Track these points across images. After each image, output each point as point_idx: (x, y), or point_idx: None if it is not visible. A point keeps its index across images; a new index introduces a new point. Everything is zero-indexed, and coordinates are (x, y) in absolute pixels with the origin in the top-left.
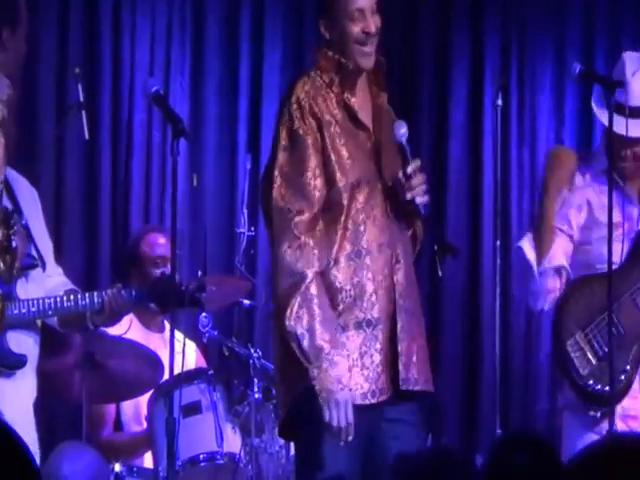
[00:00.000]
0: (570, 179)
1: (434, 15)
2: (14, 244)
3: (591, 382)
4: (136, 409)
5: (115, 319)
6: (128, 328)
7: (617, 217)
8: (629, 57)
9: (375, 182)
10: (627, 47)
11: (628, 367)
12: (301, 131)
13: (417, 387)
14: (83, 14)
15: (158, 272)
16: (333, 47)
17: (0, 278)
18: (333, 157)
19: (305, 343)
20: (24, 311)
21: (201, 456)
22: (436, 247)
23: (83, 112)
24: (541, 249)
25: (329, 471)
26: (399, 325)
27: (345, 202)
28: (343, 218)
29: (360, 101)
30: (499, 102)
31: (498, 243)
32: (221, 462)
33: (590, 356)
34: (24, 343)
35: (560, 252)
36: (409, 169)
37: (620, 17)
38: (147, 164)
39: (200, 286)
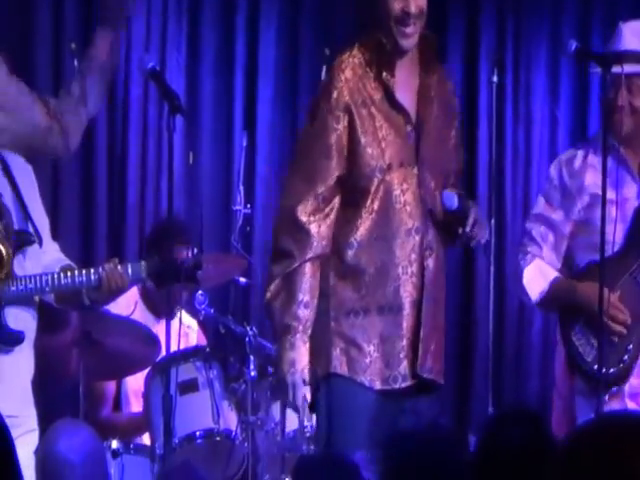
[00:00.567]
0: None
1: None
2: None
3: (596, 367)
4: (136, 389)
5: (113, 296)
6: (132, 311)
7: (618, 195)
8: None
9: (410, 166)
10: None
11: (631, 346)
12: (327, 112)
13: (431, 376)
14: None
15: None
16: (375, 26)
17: None
18: (363, 139)
19: (276, 319)
20: (21, 288)
21: (198, 433)
22: None
23: None
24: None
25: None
26: (423, 312)
27: (373, 185)
28: (369, 201)
29: (401, 82)
30: (494, 78)
31: (493, 221)
32: (217, 439)
33: (593, 341)
34: (22, 319)
35: (544, 278)
36: (467, 228)
37: None
38: (143, 141)
39: (196, 264)
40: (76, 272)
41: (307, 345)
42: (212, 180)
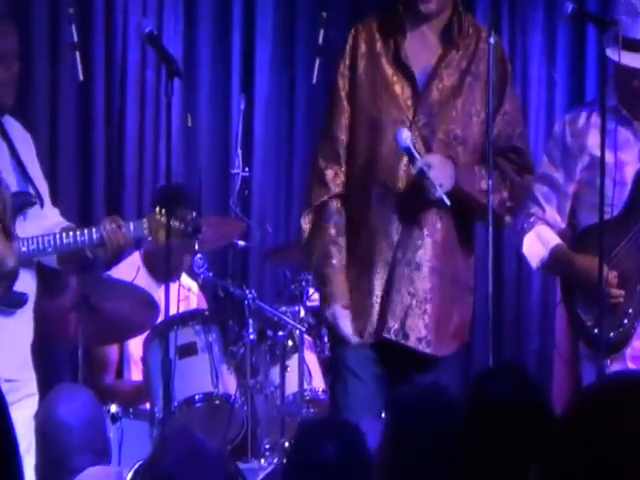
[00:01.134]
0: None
1: None
2: None
3: (597, 331)
4: (137, 356)
5: (117, 254)
6: (135, 277)
7: (623, 157)
8: None
9: (402, 125)
10: None
11: (631, 310)
12: (338, 76)
13: (403, 341)
14: None
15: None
16: None
17: None
18: (360, 93)
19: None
20: (24, 249)
21: (197, 397)
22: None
23: (77, 53)
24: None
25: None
26: (396, 275)
27: (361, 137)
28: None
29: (415, 46)
30: (491, 40)
31: (490, 182)
32: (216, 403)
33: (594, 307)
34: (23, 282)
35: (544, 246)
36: (414, 170)
37: None
38: (141, 105)
39: (195, 227)
40: (78, 231)
41: (343, 278)
42: (210, 144)
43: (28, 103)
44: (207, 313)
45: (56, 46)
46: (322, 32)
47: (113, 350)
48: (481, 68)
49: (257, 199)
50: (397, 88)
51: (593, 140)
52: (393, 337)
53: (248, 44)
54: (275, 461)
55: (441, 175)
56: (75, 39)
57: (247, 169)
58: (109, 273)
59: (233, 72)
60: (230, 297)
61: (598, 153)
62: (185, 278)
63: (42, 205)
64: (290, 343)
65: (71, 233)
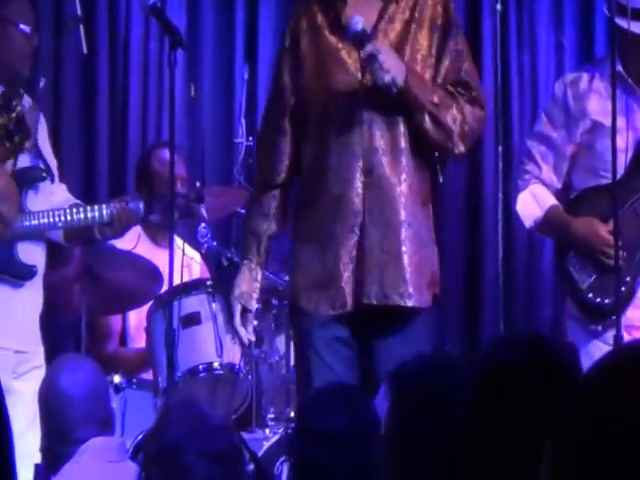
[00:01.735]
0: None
1: None
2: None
3: (591, 295)
4: (142, 323)
5: (123, 231)
6: (136, 244)
7: (625, 124)
8: None
9: (347, 88)
10: None
11: (628, 278)
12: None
13: (384, 301)
14: None
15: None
16: None
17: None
18: (305, 64)
19: None
20: (35, 223)
21: (200, 367)
22: (436, 152)
23: (81, 26)
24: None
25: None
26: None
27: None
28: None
29: (354, 10)
30: (498, 7)
31: (500, 149)
32: (220, 372)
33: (590, 270)
34: (32, 255)
35: (538, 205)
36: (363, 54)
37: None
38: (144, 76)
39: (198, 197)
40: (88, 208)
41: (255, 274)
42: (214, 113)
43: (32, 76)
44: (211, 282)
45: (60, 20)
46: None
47: (116, 319)
48: (424, 14)
49: None
50: (343, 54)
51: (595, 105)
52: (374, 301)
53: (251, 14)
54: (280, 431)
55: (391, 62)
56: (79, 12)
57: (251, 138)
58: (111, 242)
59: (237, 42)
60: (234, 266)
61: (600, 118)
62: (187, 248)
63: (53, 181)
64: None
65: (81, 209)
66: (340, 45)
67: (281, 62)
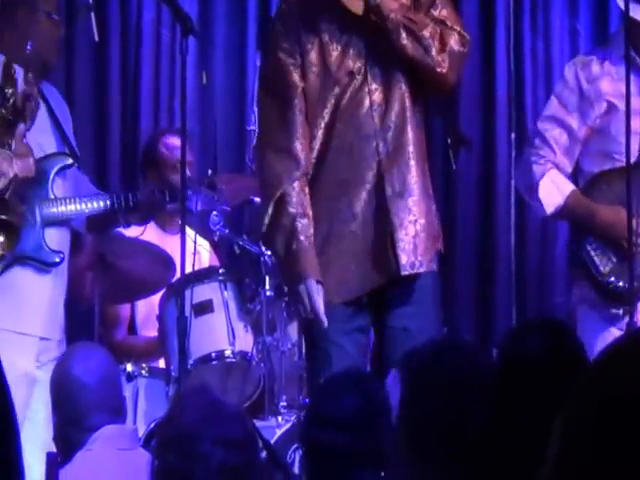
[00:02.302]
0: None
1: None
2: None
3: (612, 279)
4: (150, 312)
5: (149, 218)
6: (143, 231)
7: (636, 106)
8: None
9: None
10: None
11: None
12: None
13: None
14: None
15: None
16: None
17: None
18: (314, 56)
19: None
20: (62, 209)
21: (213, 354)
22: (449, 139)
23: (92, 14)
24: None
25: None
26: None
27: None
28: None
29: None
30: None
31: (513, 136)
32: (233, 360)
33: (611, 254)
34: (59, 241)
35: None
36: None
37: None
38: (156, 64)
39: (211, 184)
40: (114, 195)
41: (313, 254)
42: (226, 100)
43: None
44: (223, 270)
45: (71, 8)
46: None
47: (125, 307)
48: None
49: None
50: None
51: (608, 87)
52: (412, 271)
53: (263, 0)
54: (292, 418)
55: None
56: (90, 0)
57: None
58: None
59: (249, 29)
60: (246, 254)
61: (614, 100)
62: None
63: (79, 168)
64: None
65: (107, 196)
66: (342, 34)
67: (279, 45)
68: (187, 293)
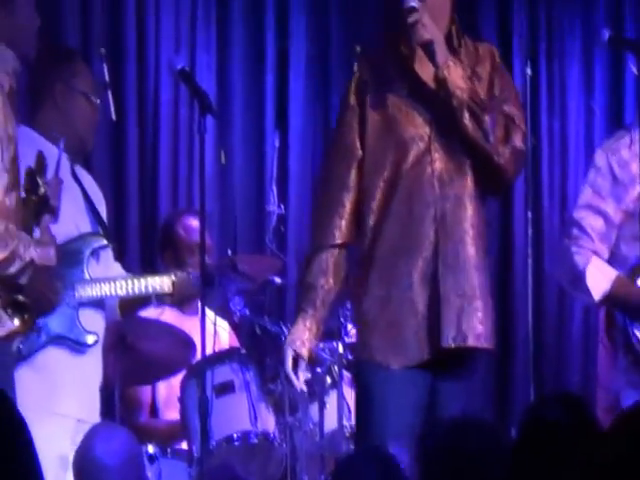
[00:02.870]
0: None
1: None
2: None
3: None
4: (171, 394)
5: (183, 302)
6: (162, 311)
7: None
8: None
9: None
10: None
11: None
12: (344, 108)
13: (457, 343)
14: None
15: (195, 260)
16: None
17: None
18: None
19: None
20: (97, 290)
21: (235, 435)
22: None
23: (109, 92)
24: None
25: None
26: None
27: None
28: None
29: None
30: (528, 71)
31: (529, 214)
32: (255, 441)
33: None
34: (93, 322)
35: (605, 278)
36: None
37: None
38: (174, 143)
39: (231, 265)
40: (149, 277)
41: (309, 325)
42: (245, 180)
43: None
44: (244, 351)
45: None
46: (356, 66)
47: (146, 390)
48: (482, 70)
49: (292, 236)
50: (412, 109)
51: (638, 170)
52: (453, 344)
53: (282, 80)
54: None
55: (433, 30)
56: (107, 78)
57: (282, 206)
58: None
59: (267, 108)
60: (267, 334)
61: None
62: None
63: (114, 251)
64: (329, 379)
65: (142, 278)
66: (410, 100)
67: (345, 118)
68: (208, 374)
